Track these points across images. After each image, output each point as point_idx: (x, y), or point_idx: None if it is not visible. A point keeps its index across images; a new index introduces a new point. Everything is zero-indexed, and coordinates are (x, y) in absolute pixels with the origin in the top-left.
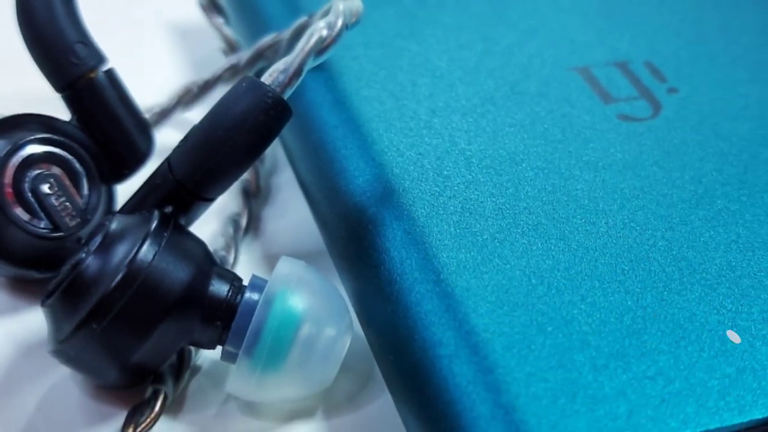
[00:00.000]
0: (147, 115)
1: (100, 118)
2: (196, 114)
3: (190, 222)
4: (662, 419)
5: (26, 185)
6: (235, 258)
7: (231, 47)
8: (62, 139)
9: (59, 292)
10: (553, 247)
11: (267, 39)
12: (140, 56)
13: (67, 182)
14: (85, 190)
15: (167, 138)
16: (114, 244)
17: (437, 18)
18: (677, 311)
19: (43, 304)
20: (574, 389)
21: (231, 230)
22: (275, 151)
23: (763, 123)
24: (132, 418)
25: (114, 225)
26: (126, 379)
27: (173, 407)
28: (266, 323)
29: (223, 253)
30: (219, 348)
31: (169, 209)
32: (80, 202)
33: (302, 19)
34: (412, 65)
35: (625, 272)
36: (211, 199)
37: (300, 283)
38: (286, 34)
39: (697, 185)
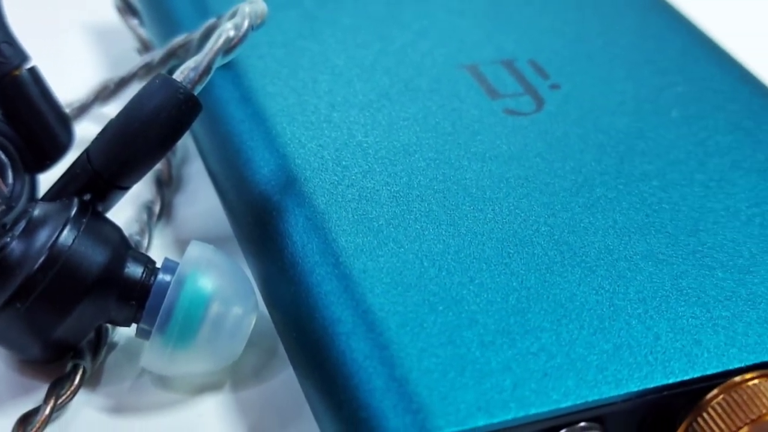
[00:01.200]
0: (67, 110)
1: (24, 113)
2: (112, 109)
3: (107, 209)
4: (545, 392)
5: None
6: (149, 242)
7: (145, 47)
8: None
9: None
10: (443, 232)
11: (179, 39)
12: (60, 55)
13: None
14: (10, 179)
15: (86, 131)
16: (37, 229)
17: (336, 19)
18: (559, 291)
19: None
20: (463, 364)
21: (145, 216)
22: (186, 143)
23: (638, 117)
24: (53, 390)
25: (37, 212)
26: (48, 355)
27: (91, 380)
28: (178, 302)
29: (137, 237)
30: (134, 326)
31: (87, 197)
32: (5, 190)
33: (211, 21)
34: (313, 63)
35: (511, 255)
36: (127, 188)
37: (209, 266)
38: (197, 34)
39: (577, 175)
